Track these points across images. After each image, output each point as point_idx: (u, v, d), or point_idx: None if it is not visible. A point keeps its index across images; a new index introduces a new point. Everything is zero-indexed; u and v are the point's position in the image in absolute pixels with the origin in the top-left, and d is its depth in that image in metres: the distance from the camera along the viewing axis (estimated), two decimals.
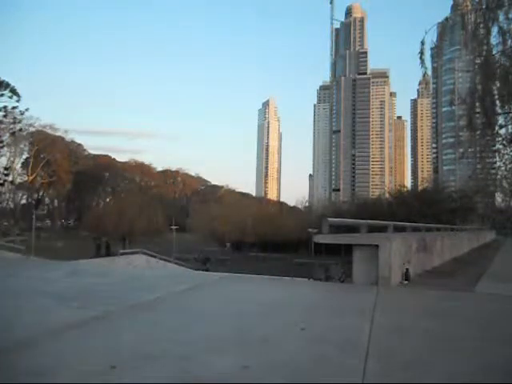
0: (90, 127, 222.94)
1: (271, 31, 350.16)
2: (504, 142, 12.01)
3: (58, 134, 70.54)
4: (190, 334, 3.49)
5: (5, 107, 49.77)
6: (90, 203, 78.78)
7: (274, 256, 46.24)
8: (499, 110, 10.71)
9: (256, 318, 4.21)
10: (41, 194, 75.12)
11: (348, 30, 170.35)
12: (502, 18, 9.43)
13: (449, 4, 15.94)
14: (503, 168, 14.26)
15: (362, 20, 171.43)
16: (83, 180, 75.51)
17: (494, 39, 9.76)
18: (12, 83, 49.48)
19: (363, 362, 2.80)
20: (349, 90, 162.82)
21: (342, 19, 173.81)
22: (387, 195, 49.45)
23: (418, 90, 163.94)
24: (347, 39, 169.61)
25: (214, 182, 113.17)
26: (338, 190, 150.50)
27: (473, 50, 11.22)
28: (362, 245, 6.81)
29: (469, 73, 13.60)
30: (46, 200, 79.39)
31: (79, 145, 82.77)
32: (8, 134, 55.23)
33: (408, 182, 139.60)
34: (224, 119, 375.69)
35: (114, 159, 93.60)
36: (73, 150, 78.27)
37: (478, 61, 11.41)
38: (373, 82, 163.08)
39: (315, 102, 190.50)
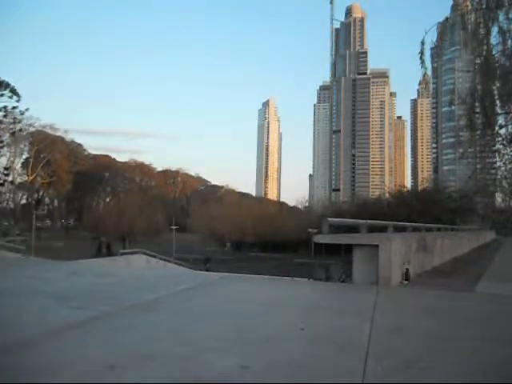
0: (90, 127, 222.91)
1: (271, 31, 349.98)
2: (504, 142, 12.01)
3: (58, 133, 70.73)
4: (189, 334, 3.49)
5: (5, 107, 49.88)
6: (90, 203, 78.76)
7: (274, 256, 46.28)
8: (499, 110, 10.71)
9: (256, 318, 4.21)
10: (41, 194, 75.15)
11: (348, 30, 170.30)
12: (502, 17, 9.44)
13: (449, 4, 15.94)
14: (503, 168, 14.26)
15: (361, 20, 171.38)
16: (83, 180, 75.56)
17: (494, 39, 9.77)
18: (12, 83, 49.62)
19: (363, 362, 2.80)
20: (349, 90, 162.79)
21: (342, 19, 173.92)
22: (387, 195, 49.41)
23: (417, 90, 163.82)
24: (347, 39, 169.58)
25: (214, 182, 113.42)
26: (338, 189, 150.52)
27: (473, 50, 11.23)
28: (361, 245, 6.81)
29: (469, 73, 13.60)
30: (46, 200, 79.43)
31: (79, 145, 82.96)
32: (8, 134, 55.29)
33: (408, 182, 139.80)
34: (224, 119, 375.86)
35: (114, 159, 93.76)
36: (73, 150, 78.29)
37: (477, 61, 11.41)
38: (373, 82, 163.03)
39: (315, 102, 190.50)
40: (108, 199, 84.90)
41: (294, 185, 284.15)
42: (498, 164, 14.56)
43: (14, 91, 49.83)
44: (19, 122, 53.94)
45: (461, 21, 10.62)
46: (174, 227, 47.52)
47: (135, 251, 29.89)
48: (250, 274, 15.43)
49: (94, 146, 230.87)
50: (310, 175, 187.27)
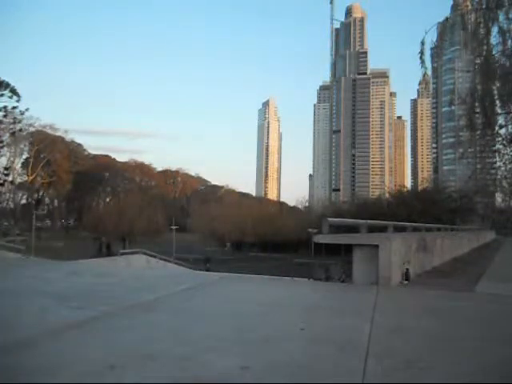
0: (90, 127, 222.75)
1: (271, 31, 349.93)
2: (504, 142, 12.02)
3: (58, 133, 70.70)
4: (189, 334, 3.49)
5: (5, 107, 49.88)
6: (90, 203, 78.75)
7: (274, 256, 46.27)
8: (499, 110, 10.72)
9: (256, 318, 4.21)
10: (41, 194, 75.15)
11: (348, 30, 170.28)
12: (502, 17, 9.44)
13: (449, 4, 15.94)
14: (503, 168, 14.27)
15: (361, 20, 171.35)
16: (83, 180, 75.56)
17: (494, 39, 9.78)
18: (12, 83, 49.60)
19: (363, 362, 2.80)
20: (349, 90, 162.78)
21: (342, 19, 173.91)
22: (387, 195, 49.40)
23: (417, 90, 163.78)
24: (347, 39, 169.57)
25: (214, 182, 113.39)
26: (338, 189, 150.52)
27: (473, 50, 11.23)
28: (362, 245, 6.82)
29: (469, 73, 13.60)
30: (46, 200, 79.42)
31: (79, 145, 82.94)
32: (8, 134, 55.28)
33: (408, 182, 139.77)
34: (224, 119, 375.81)
35: (114, 159, 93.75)
36: (73, 150, 78.28)
37: (477, 61, 11.41)
38: (373, 82, 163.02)
39: (315, 102, 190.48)
40: (108, 199, 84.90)
41: (294, 185, 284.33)
42: (498, 164, 14.57)
43: (14, 91, 49.86)
44: (19, 122, 53.99)
45: (461, 21, 10.62)
46: (173, 227, 47.52)
47: (135, 251, 29.89)
48: (250, 273, 15.43)
49: (94, 145, 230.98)
50: (310, 175, 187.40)
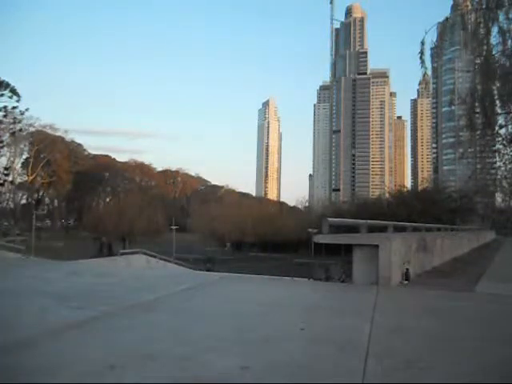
0: (90, 127, 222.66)
1: (271, 31, 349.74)
2: (504, 142, 12.02)
3: (58, 133, 70.82)
4: (189, 334, 3.49)
5: (5, 107, 49.92)
6: (90, 203, 78.80)
7: (274, 256, 46.31)
8: (499, 110, 10.72)
9: (256, 318, 4.21)
10: (41, 194, 75.19)
11: (348, 30, 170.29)
12: (502, 17, 9.45)
13: (449, 4, 15.94)
14: (503, 168, 14.28)
15: (361, 20, 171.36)
16: (83, 180, 75.60)
17: (494, 39, 9.79)
18: (12, 83, 49.66)
19: (363, 362, 2.80)
20: (349, 90, 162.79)
21: (342, 19, 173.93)
22: (387, 195, 49.38)
23: (417, 90, 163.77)
24: (347, 39, 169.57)
25: (214, 182, 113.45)
26: (338, 189, 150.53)
27: (473, 50, 11.24)
28: (362, 245, 6.81)
29: (469, 73, 13.61)
30: (46, 200, 79.47)
31: (79, 145, 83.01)
32: (8, 134, 55.32)
33: (408, 182, 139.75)
34: (224, 119, 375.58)
35: (114, 159, 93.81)
36: (73, 150, 78.33)
37: (477, 61, 11.42)
38: (373, 82, 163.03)
39: (315, 102, 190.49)
40: (108, 199, 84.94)
41: (294, 185, 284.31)
42: (498, 164, 14.58)
43: (14, 91, 49.88)
44: (19, 122, 54.04)
45: (461, 21, 10.63)
46: (174, 227, 47.55)
47: (135, 251, 29.92)
48: (250, 273, 15.42)
49: (94, 145, 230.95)
50: (310, 175, 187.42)
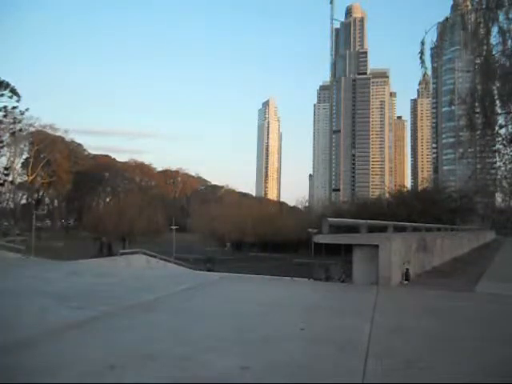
0: (90, 127, 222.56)
1: (271, 31, 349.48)
2: (504, 142, 12.01)
3: (58, 134, 70.80)
4: (189, 334, 3.49)
5: (5, 107, 49.91)
6: (90, 203, 78.80)
7: (274, 256, 46.30)
8: (499, 110, 10.72)
9: (256, 318, 4.21)
10: (41, 194, 75.18)
11: (348, 30, 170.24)
12: (502, 18, 9.45)
13: (449, 4, 15.93)
14: (503, 168, 14.26)
15: (361, 20, 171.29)
16: (83, 180, 75.59)
17: (494, 39, 9.78)
18: (12, 83, 49.66)
19: (363, 362, 2.80)
20: (349, 90, 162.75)
21: (342, 19, 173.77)
22: (387, 195, 49.36)
23: (417, 90, 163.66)
24: (347, 39, 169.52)
25: (214, 182, 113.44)
26: (338, 189, 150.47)
27: (473, 50, 11.24)
28: (362, 245, 6.81)
29: (469, 73, 13.61)
30: (46, 200, 79.46)
31: (79, 145, 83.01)
32: (8, 134, 55.32)
33: (408, 182, 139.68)
34: (224, 119, 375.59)
35: (114, 159, 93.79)
36: (73, 150, 78.33)
37: (477, 61, 11.42)
38: (373, 82, 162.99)
39: (315, 102, 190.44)
40: (108, 199, 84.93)
41: (294, 185, 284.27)
42: (498, 164, 14.56)
43: (13, 91, 49.89)
44: (19, 122, 54.02)
45: (461, 21, 10.63)
46: (174, 227, 47.57)
47: (135, 251, 29.90)
48: (250, 273, 15.42)
49: (94, 145, 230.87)
50: (310, 175, 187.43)
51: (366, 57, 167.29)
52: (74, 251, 35.73)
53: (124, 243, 49.06)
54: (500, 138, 11.98)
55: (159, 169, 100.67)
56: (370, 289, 6.11)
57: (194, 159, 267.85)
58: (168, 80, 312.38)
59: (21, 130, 56.20)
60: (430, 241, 10.27)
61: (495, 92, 10.31)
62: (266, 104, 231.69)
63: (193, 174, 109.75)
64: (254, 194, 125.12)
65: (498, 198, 31.51)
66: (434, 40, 10.42)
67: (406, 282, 7.00)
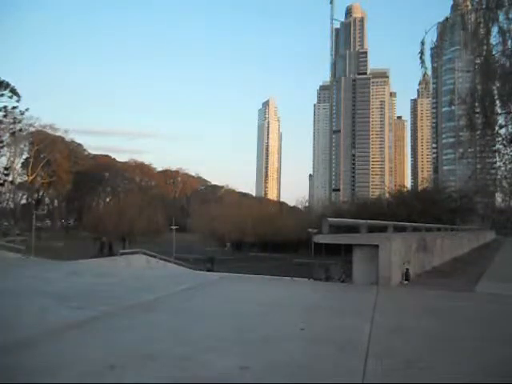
0: (90, 127, 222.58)
1: (271, 31, 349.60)
2: (504, 142, 12.00)
3: (58, 134, 70.77)
4: (189, 334, 3.49)
5: (5, 107, 49.91)
6: (90, 203, 78.78)
7: (274, 256, 46.26)
8: (499, 110, 10.71)
9: (256, 318, 4.21)
10: (41, 194, 75.16)
11: (348, 30, 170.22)
12: (502, 18, 9.45)
13: (449, 4, 15.94)
14: (503, 168, 14.25)
15: (361, 20, 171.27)
16: (83, 180, 75.58)
17: (494, 39, 9.78)
18: (12, 83, 49.66)
19: (363, 362, 2.80)
20: (349, 90, 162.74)
21: (342, 19, 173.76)
22: (387, 195, 49.36)
23: (417, 90, 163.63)
24: (347, 39, 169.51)
25: (214, 182, 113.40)
26: (338, 189, 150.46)
27: (473, 50, 11.23)
28: (361, 245, 6.81)
29: (469, 73, 13.60)
30: (46, 200, 79.44)
31: (79, 145, 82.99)
32: (8, 134, 55.31)
33: (408, 182, 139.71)
34: (224, 119, 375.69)
35: (114, 159, 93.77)
36: (73, 150, 78.31)
37: (477, 61, 11.42)
38: (373, 82, 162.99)
39: (315, 102, 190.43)
40: (108, 199, 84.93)
41: (294, 185, 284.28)
42: (498, 164, 14.55)
43: (13, 91, 49.89)
44: (19, 122, 54.02)
45: (461, 21, 10.63)
46: (174, 227, 47.53)
47: (135, 251, 29.89)
48: (249, 274, 15.42)
49: (94, 145, 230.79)
50: (310, 175, 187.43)
51: (366, 57, 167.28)
52: (74, 251, 35.71)
53: (124, 243, 49.05)
54: (500, 138, 11.98)
55: (159, 169, 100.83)
56: (370, 289, 6.11)
57: (194, 159, 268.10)
58: (168, 80, 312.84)
59: (21, 130, 56.20)
60: (430, 241, 10.27)
61: (495, 92, 10.30)
62: (265, 104, 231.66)
63: (193, 173, 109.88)
64: (254, 194, 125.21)
65: (498, 198, 31.52)
66: (434, 40, 10.43)
67: (406, 281, 7.00)
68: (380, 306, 4.90)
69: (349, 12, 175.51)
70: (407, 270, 7.11)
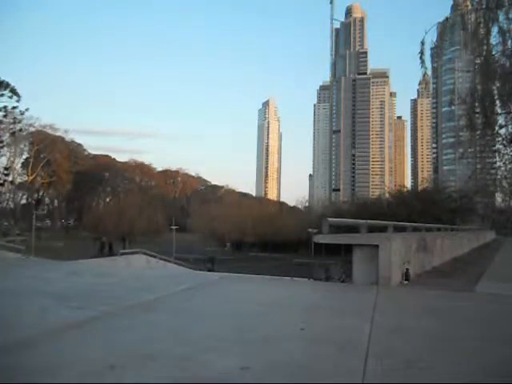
0: (90, 127, 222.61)
1: (271, 31, 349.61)
2: (504, 142, 12.00)
3: (58, 133, 70.74)
4: (189, 334, 3.49)
5: (5, 107, 49.93)
6: (90, 203, 78.75)
7: (274, 256, 46.24)
8: (499, 110, 10.71)
9: (256, 318, 4.21)
10: (41, 194, 75.14)
11: (348, 30, 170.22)
12: (502, 18, 9.45)
13: (449, 4, 15.94)
14: (503, 168, 14.24)
15: (361, 20, 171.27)
16: (83, 180, 75.57)
17: (494, 39, 9.78)
18: (12, 83, 49.67)
19: (363, 362, 2.80)
20: (349, 90, 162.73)
21: (342, 19, 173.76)
22: (387, 195, 49.37)
23: (417, 90, 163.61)
24: (347, 39, 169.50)
25: (214, 182, 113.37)
26: (338, 189, 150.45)
27: (473, 50, 11.23)
28: (361, 245, 6.81)
29: (469, 73, 13.60)
30: (46, 200, 79.41)
31: (79, 145, 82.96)
32: (8, 134, 55.31)
33: (408, 182, 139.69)
34: (224, 119, 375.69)
35: (114, 159, 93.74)
36: (73, 150, 78.28)
37: (477, 61, 11.42)
38: (373, 82, 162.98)
39: (315, 102, 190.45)
40: (108, 199, 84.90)
41: (294, 185, 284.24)
42: (498, 164, 14.55)
43: (13, 91, 49.90)
44: (19, 122, 54.02)
45: (461, 21, 10.63)
46: (174, 227, 47.51)
47: (135, 251, 29.87)
48: (249, 273, 15.43)
49: (94, 145, 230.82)
50: (310, 175, 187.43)
51: (366, 57, 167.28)
52: (74, 251, 35.70)
53: (124, 243, 49.05)
54: (500, 138, 11.97)
55: (159, 169, 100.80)
56: (370, 289, 6.11)
57: (194, 159, 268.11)
58: (168, 80, 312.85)
59: (21, 130, 56.20)
60: (430, 241, 10.27)
61: (495, 92, 10.30)
62: (265, 104, 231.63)
63: (193, 173, 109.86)
64: (254, 194, 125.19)
65: (498, 198, 31.51)
66: (434, 40, 10.44)
67: (406, 281, 7.00)
68: (380, 306, 4.90)
69: (349, 12, 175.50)
70: (407, 270, 7.11)
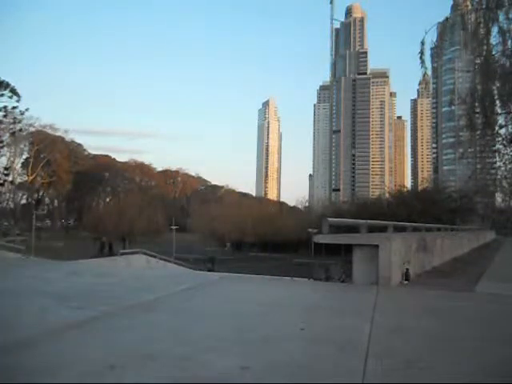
0: (90, 127, 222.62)
1: (271, 31, 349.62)
2: (504, 142, 12.00)
3: (58, 134, 70.74)
4: (189, 334, 3.49)
5: (5, 107, 49.93)
6: (90, 203, 78.75)
7: (274, 256, 46.24)
8: (499, 110, 10.71)
9: (256, 318, 4.21)
10: (41, 194, 75.14)
11: (348, 30, 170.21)
12: (502, 18, 9.45)
13: (449, 4, 15.94)
14: (503, 168, 14.24)
15: (361, 20, 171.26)
16: (83, 180, 75.57)
17: (494, 39, 9.78)
18: (12, 83, 49.67)
19: (363, 362, 2.80)
20: (349, 90, 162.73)
21: (342, 19, 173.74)
22: (387, 195, 49.37)
23: (417, 90, 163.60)
24: (347, 39, 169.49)
25: (214, 182, 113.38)
26: (338, 189, 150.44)
27: (473, 50, 11.23)
28: (361, 245, 6.81)
29: (469, 73, 13.60)
30: (46, 200, 79.41)
31: (79, 145, 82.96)
32: (8, 134, 55.31)
33: (408, 182, 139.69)
34: (224, 119, 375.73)
35: (114, 159, 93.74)
36: (73, 150, 78.28)
37: (477, 61, 11.42)
38: (373, 82, 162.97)
39: (315, 102, 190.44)
40: (108, 199, 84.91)
41: (294, 185, 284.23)
42: (498, 164, 14.55)
43: (13, 91, 49.90)
44: (19, 122, 54.02)
45: (461, 21, 10.62)
46: (174, 227, 47.51)
47: (135, 251, 29.87)
48: (249, 273, 15.43)
49: (94, 146, 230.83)
50: (310, 175, 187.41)
51: (366, 57, 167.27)
52: (74, 251, 35.70)
53: (124, 243, 49.05)
54: (500, 138, 11.97)
55: (159, 169, 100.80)
56: (370, 289, 6.11)
57: (194, 159, 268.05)
58: (168, 80, 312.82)
59: (21, 130, 56.20)
60: (430, 241, 10.27)
61: (495, 92, 10.30)
62: (265, 104, 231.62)
63: (193, 173, 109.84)
64: (254, 194, 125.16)
65: (498, 198, 31.51)
66: (434, 40, 10.43)
67: (406, 281, 7.00)
68: (380, 306, 4.90)
69: (349, 12, 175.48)
70: (407, 269, 7.11)
